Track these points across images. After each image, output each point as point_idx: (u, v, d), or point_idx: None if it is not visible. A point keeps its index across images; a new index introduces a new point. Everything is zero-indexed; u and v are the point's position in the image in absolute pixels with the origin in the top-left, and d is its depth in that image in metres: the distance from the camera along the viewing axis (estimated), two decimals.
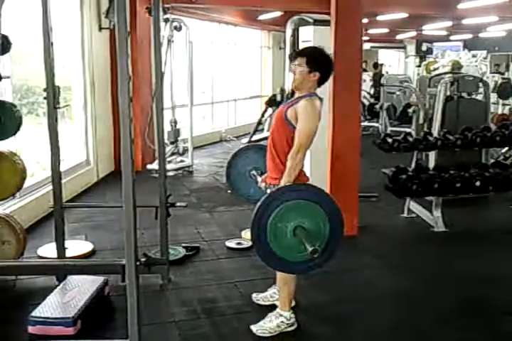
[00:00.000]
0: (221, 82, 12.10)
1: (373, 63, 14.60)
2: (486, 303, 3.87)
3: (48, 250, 4.56)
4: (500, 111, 11.18)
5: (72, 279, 3.80)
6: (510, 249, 4.99)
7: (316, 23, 6.23)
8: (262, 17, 11.65)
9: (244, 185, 4.09)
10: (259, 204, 2.82)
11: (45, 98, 3.87)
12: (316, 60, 3.22)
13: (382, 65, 18.36)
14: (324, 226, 2.80)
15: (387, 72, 16.85)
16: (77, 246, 4.72)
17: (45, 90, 3.86)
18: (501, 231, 5.52)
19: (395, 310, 3.79)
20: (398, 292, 4.07)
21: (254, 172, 3.95)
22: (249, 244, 4.81)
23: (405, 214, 5.95)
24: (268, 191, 3.33)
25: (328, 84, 5.19)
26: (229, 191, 4.13)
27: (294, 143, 3.14)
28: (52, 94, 3.85)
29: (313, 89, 3.24)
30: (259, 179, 3.73)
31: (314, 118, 3.15)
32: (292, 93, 6.46)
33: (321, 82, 3.26)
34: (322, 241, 2.79)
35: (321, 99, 3.25)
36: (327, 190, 4.97)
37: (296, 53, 3.34)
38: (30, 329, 3.26)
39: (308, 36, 6.35)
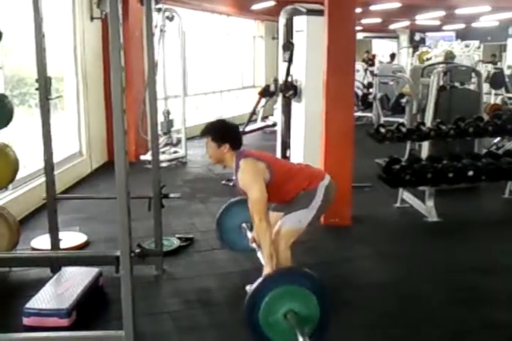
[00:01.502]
0: (214, 72, 12.05)
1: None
2: (479, 292, 3.89)
3: (41, 242, 4.55)
4: (492, 101, 11.20)
5: (67, 271, 3.80)
6: (503, 238, 5.02)
7: (310, 12, 6.22)
8: (255, 7, 11.59)
9: (239, 239, 4.11)
10: (247, 297, 2.85)
11: (37, 89, 3.85)
12: (219, 134, 3.39)
13: (373, 55, 18.38)
14: (313, 306, 2.83)
15: (380, 62, 16.83)
16: (70, 238, 4.71)
17: (37, 81, 3.84)
18: (494, 221, 5.56)
19: (388, 299, 3.81)
20: (391, 281, 4.09)
21: (244, 225, 4.02)
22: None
23: (398, 204, 5.96)
24: (259, 253, 3.50)
25: (322, 74, 5.20)
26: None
27: (253, 214, 3.23)
28: (44, 85, 3.83)
29: (234, 156, 3.38)
30: (249, 235, 3.83)
31: (256, 181, 3.25)
32: (285, 85, 6.50)
33: (237, 147, 3.40)
34: (314, 320, 2.83)
35: (245, 156, 3.36)
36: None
37: (201, 133, 3.49)
38: (25, 320, 3.26)
39: (302, 26, 6.35)
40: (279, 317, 2.78)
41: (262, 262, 3.35)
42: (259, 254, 3.50)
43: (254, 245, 3.70)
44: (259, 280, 2.90)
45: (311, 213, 3.34)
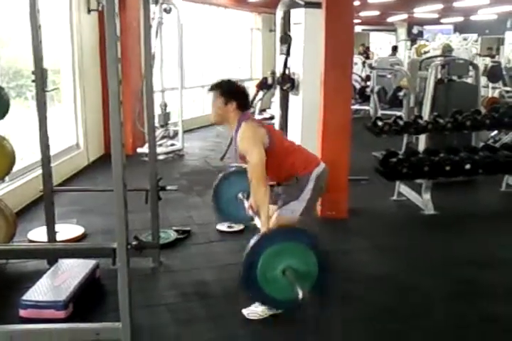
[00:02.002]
0: (211, 64, 12.02)
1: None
2: (476, 285, 3.91)
3: (38, 234, 4.55)
4: (490, 95, 11.19)
5: (63, 263, 3.80)
6: (500, 232, 5.03)
7: (308, 5, 6.20)
8: None
9: (232, 208, 4.07)
10: (245, 254, 2.85)
11: (33, 81, 3.84)
12: (229, 90, 3.33)
13: (367, 47, 18.36)
14: (312, 262, 2.84)
15: (377, 55, 16.83)
16: (67, 230, 4.71)
17: (33, 73, 3.82)
18: (490, 214, 5.57)
19: (385, 292, 3.82)
20: (388, 274, 4.10)
21: (240, 195, 3.96)
22: (241, 227, 4.83)
23: (395, 197, 5.97)
24: (256, 220, 3.45)
25: (320, 67, 5.19)
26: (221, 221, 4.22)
27: (251, 178, 3.20)
28: (41, 77, 3.82)
29: (238, 116, 3.32)
30: (246, 204, 3.78)
31: (257, 144, 3.19)
32: (283, 78, 6.48)
33: (243, 108, 3.35)
34: (312, 276, 2.83)
35: (251, 119, 3.33)
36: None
37: (208, 89, 3.44)
38: (22, 312, 3.26)
39: (300, 18, 6.32)
40: (277, 274, 2.78)
41: (259, 226, 3.32)
42: (256, 221, 3.44)
43: (250, 212, 3.64)
44: (256, 237, 2.89)
45: (303, 203, 3.32)
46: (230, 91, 3.33)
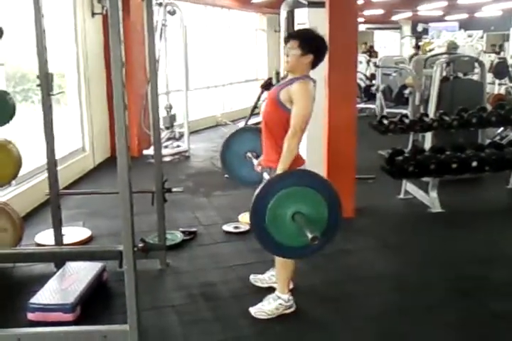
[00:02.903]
0: (216, 66, 12.03)
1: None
2: (484, 283, 3.89)
3: (45, 237, 4.56)
4: (496, 91, 11.15)
5: (70, 266, 3.81)
6: (507, 228, 5.02)
7: (311, 4, 6.18)
8: (256, 0, 11.56)
9: (239, 167, 3.99)
10: (257, 192, 2.80)
11: (38, 85, 3.85)
12: (309, 42, 3.17)
13: (371, 46, 18.33)
14: (323, 211, 2.79)
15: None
16: (74, 233, 4.72)
17: (38, 77, 3.84)
18: (498, 211, 5.55)
19: (393, 291, 3.81)
20: (396, 273, 4.09)
21: (249, 154, 3.87)
22: (247, 227, 4.82)
23: (402, 196, 5.96)
24: (264, 174, 3.32)
25: (324, 66, 5.18)
26: (226, 176, 4.05)
27: (290, 127, 3.09)
28: (46, 81, 3.83)
29: (306, 72, 3.20)
30: (255, 162, 3.69)
31: (309, 101, 3.10)
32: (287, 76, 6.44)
33: (314, 64, 3.22)
34: (322, 226, 2.78)
35: (314, 81, 3.21)
36: (324, 173, 4.99)
37: (288, 36, 3.27)
38: (30, 315, 3.28)
39: (303, 18, 6.31)
40: (287, 219, 2.75)
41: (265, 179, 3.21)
42: (265, 175, 3.32)
43: (259, 169, 3.54)
44: (269, 179, 2.85)
45: None
46: (309, 44, 3.16)
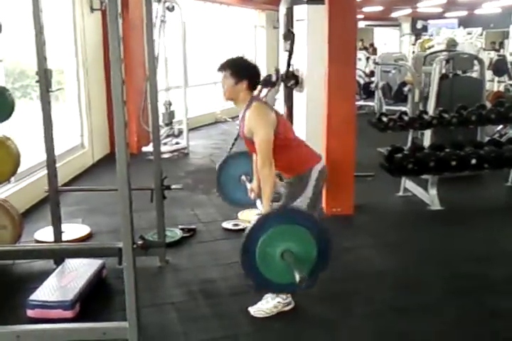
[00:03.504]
0: (215, 62, 12.00)
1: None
2: (482, 280, 3.89)
3: (44, 234, 4.56)
4: (495, 89, 11.15)
5: (70, 263, 3.81)
6: (506, 226, 5.02)
7: (310, 1, 6.16)
8: None
9: (233, 190, 4.05)
10: (245, 233, 2.82)
11: (37, 81, 3.84)
12: (240, 69, 3.23)
13: (372, 44, 18.31)
14: (312, 249, 2.80)
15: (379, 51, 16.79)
16: (73, 230, 4.72)
17: (37, 73, 3.83)
18: (497, 209, 5.55)
19: (392, 288, 3.81)
20: (395, 271, 4.09)
21: (243, 177, 3.92)
22: (246, 225, 4.81)
23: (401, 193, 5.96)
24: (258, 202, 3.42)
25: (323, 64, 5.18)
26: (221, 197, 4.21)
27: (257, 158, 3.17)
28: (45, 77, 3.82)
29: (248, 96, 3.25)
30: (248, 186, 3.75)
31: (265, 125, 3.15)
32: (287, 74, 6.44)
33: (252, 87, 3.28)
34: (310, 262, 2.79)
35: (264, 102, 3.30)
36: None
37: (218, 68, 3.32)
38: (29, 312, 3.28)
39: (302, 15, 6.29)
40: (276, 257, 2.74)
41: (260, 209, 3.29)
42: (258, 204, 3.40)
43: (252, 195, 3.60)
44: (258, 218, 2.86)
45: (305, 202, 3.29)
46: (240, 71, 3.23)
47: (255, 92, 3.34)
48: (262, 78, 3.41)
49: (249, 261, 2.77)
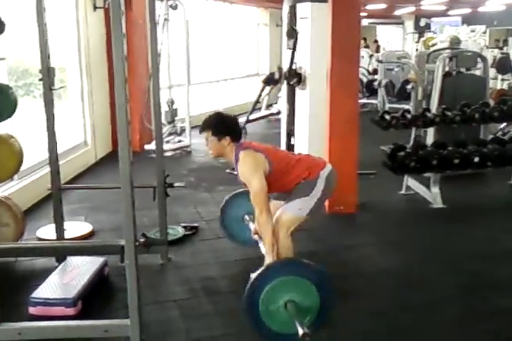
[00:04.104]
0: (218, 60, 12.00)
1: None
2: (485, 278, 3.89)
3: (47, 231, 4.56)
4: (499, 87, 11.12)
5: (72, 260, 3.82)
6: (509, 224, 5.01)
7: None
8: None
9: (238, 230, 4.15)
10: (249, 284, 2.86)
11: (40, 79, 3.85)
12: (219, 128, 3.39)
13: (376, 40, 18.28)
14: (314, 298, 2.84)
15: (383, 49, 16.74)
16: (76, 227, 4.73)
17: (40, 71, 3.83)
18: (499, 207, 5.54)
19: (395, 286, 3.81)
20: (397, 269, 4.09)
21: (247, 217, 4.01)
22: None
23: (404, 191, 5.95)
24: (260, 244, 3.50)
25: (326, 61, 5.17)
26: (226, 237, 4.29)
27: (254, 207, 3.25)
28: (48, 75, 3.83)
29: (234, 149, 3.38)
30: (251, 226, 3.81)
31: (256, 173, 3.25)
32: (290, 72, 6.42)
33: (237, 140, 3.41)
34: (314, 311, 2.84)
35: (247, 147, 3.38)
36: None
37: (200, 129, 3.48)
38: (31, 310, 3.29)
39: (306, 13, 6.29)
40: (279, 307, 2.79)
41: (264, 253, 3.35)
42: (261, 246, 3.50)
43: (256, 237, 3.70)
44: (260, 270, 2.91)
45: (312, 202, 3.34)
46: (220, 129, 3.40)
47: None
48: (238, 129, 3.53)
49: (253, 311, 2.83)
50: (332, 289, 2.88)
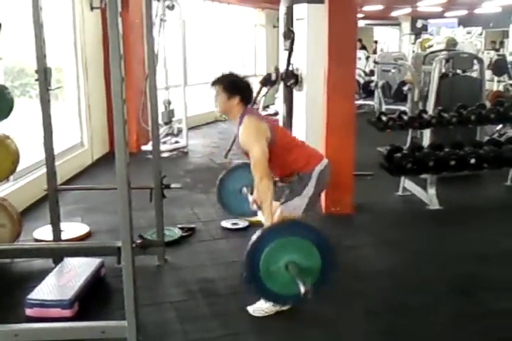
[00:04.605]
0: (215, 61, 11.99)
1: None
2: (481, 280, 3.90)
3: (43, 233, 4.55)
4: (495, 88, 11.15)
5: (69, 261, 3.81)
6: (505, 226, 5.02)
7: (310, 0, 6.17)
8: None
9: (236, 202, 4.05)
10: (249, 246, 2.82)
11: (36, 80, 3.84)
12: (231, 85, 3.33)
13: (376, 41, 18.35)
14: (315, 259, 2.80)
15: (381, 50, 16.75)
16: (72, 229, 4.72)
17: (36, 72, 3.82)
18: (496, 208, 5.54)
19: (391, 287, 3.82)
20: (394, 270, 4.09)
21: (244, 189, 3.94)
22: (245, 224, 4.83)
23: (400, 192, 5.96)
24: (259, 213, 3.41)
25: (323, 62, 5.18)
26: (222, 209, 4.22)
27: (254, 173, 3.18)
28: (44, 75, 3.82)
29: (241, 111, 3.31)
30: (250, 198, 3.75)
31: (258, 140, 3.18)
32: (286, 73, 6.43)
33: (246, 103, 3.34)
34: (315, 273, 2.80)
35: (255, 113, 3.35)
36: None
37: (211, 83, 3.42)
38: (28, 311, 3.28)
39: (302, 14, 6.30)
40: (280, 269, 2.75)
41: (262, 221, 3.30)
42: (259, 214, 3.40)
43: (254, 206, 3.60)
44: (260, 230, 2.86)
45: (304, 201, 3.32)
46: (232, 86, 3.32)
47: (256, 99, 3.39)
48: (252, 92, 3.48)
49: (253, 273, 2.79)
50: (333, 251, 2.84)
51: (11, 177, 5.02)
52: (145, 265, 3.91)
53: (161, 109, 7.47)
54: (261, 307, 3.37)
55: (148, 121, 6.82)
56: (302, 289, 2.57)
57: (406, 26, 21.71)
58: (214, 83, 3.37)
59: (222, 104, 3.35)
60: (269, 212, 3.17)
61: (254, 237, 2.83)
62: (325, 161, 3.41)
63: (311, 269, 2.78)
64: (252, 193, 3.74)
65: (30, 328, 2.65)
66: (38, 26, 3.75)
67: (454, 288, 3.79)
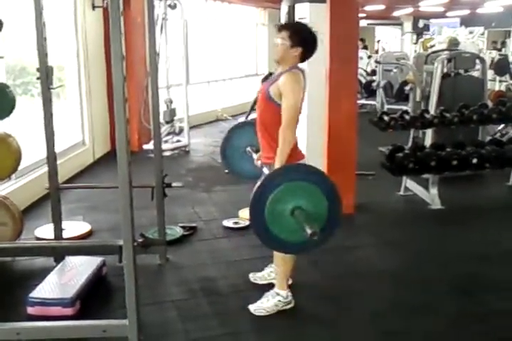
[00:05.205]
0: (217, 60, 11.99)
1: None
2: (482, 280, 3.90)
3: (45, 231, 4.56)
4: (497, 88, 11.14)
5: (70, 260, 3.81)
6: (508, 226, 5.01)
7: None
8: None
9: (239, 161, 3.98)
10: (256, 187, 2.78)
11: (38, 78, 3.84)
12: (300, 35, 3.15)
13: (378, 41, 18.36)
14: (323, 206, 2.78)
15: (383, 49, 16.74)
16: (74, 227, 4.72)
17: (38, 70, 3.82)
18: (498, 208, 5.54)
19: (393, 287, 3.81)
20: (395, 270, 4.09)
21: (249, 148, 3.85)
22: (246, 223, 4.82)
23: (402, 192, 5.95)
24: (264, 169, 3.30)
25: (325, 62, 5.17)
26: (226, 170, 4.05)
27: (282, 120, 3.10)
28: (46, 74, 3.82)
29: (294, 64, 3.19)
30: (254, 156, 3.68)
31: (298, 92, 3.11)
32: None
33: (304, 58, 3.21)
34: (321, 221, 2.77)
35: (303, 72, 3.20)
36: (324, 169, 4.98)
37: (280, 26, 3.25)
38: (29, 310, 3.28)
39: (304, 13, 6.28)
40: (286, 214, 2.73)
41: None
42: (264, 170, 3.30)
43: (259, 163, 3.51)
44: (268, 174, 2.82)
45: None
46: (300, 36, 3.15)
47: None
48: (314, 48, 3.25)
49: (259, 217, 2.74)
50: (340, 199, 2.82)
51: (13, 176, 5.02)
52: (146, 264, 3.91)
53: (162, 107, 7.48)
54: (262, 307, 3.37)
55: (149, 119, 6.84)
56: (309, 231, 2.54)
57: (408, 26, 21.67)
58: (282, 27, 3.21)
59: (282, 50, 3.16)
60: (284, 156, 3.08)
61: (260, 181, 2.79)
62: (305, 161, 3.35)
63: (317, 216, 2.74)
64: (256, 152, 3.67)
65: (32, 326, 2.65)
66: (40, 25, 3.75)
67: (456, 288, 3.78)
